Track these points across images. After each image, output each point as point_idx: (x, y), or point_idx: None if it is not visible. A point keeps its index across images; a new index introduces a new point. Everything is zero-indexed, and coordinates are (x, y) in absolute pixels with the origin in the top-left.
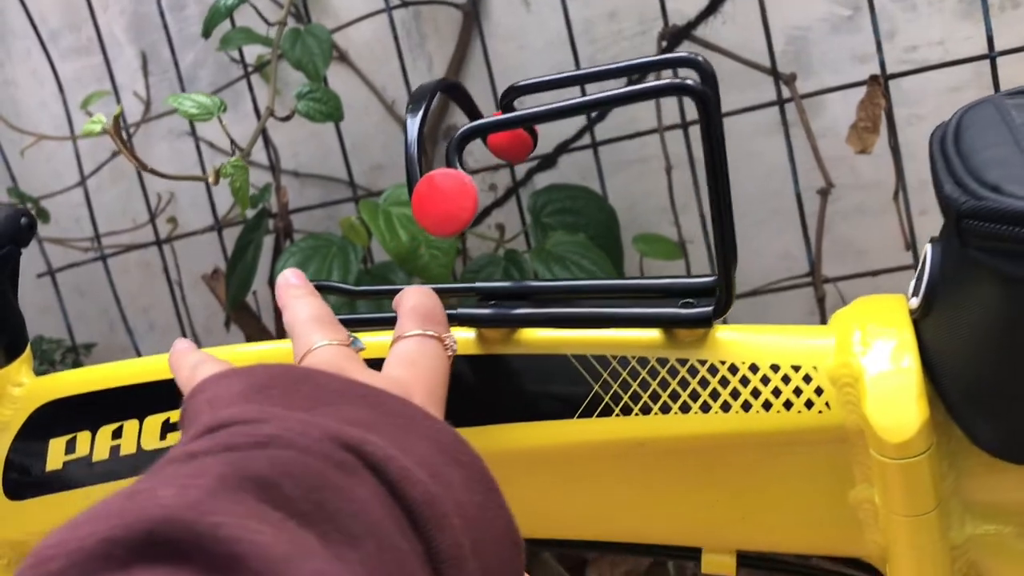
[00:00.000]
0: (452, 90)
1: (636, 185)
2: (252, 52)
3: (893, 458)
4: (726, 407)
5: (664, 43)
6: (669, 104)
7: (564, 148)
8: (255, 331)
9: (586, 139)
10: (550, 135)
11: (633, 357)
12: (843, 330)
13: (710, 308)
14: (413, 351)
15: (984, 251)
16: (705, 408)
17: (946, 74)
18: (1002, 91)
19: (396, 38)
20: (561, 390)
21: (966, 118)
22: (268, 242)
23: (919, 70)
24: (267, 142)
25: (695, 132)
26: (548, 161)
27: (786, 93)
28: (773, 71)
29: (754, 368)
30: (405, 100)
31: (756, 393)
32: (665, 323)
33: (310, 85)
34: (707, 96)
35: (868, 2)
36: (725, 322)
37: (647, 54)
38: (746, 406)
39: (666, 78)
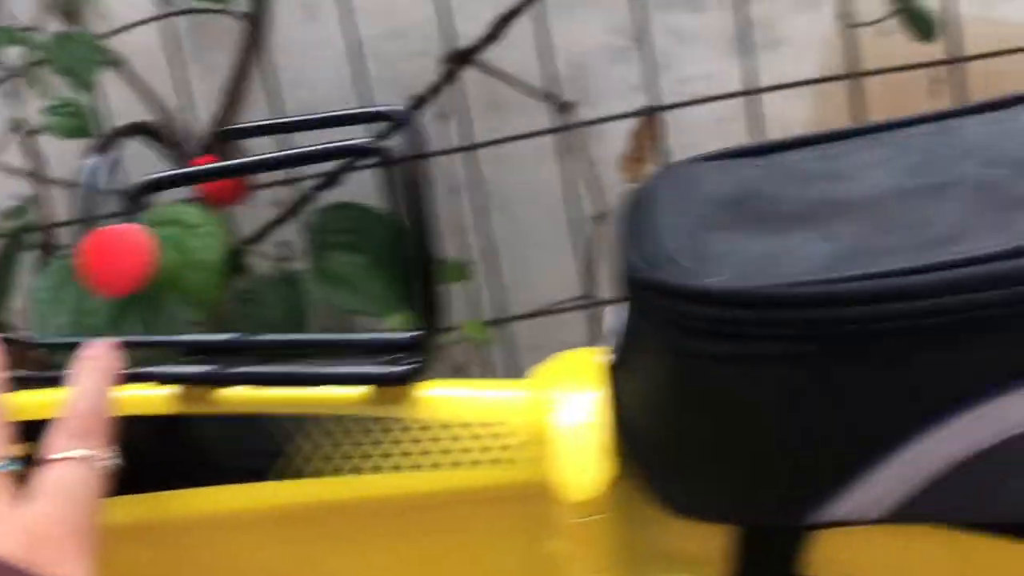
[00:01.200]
0: (145, 131)
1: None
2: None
3: (576, 516)
4: (417, 467)
5: (446, 66)
6: (447, 126)
7: (350, 166)
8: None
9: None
10: None
11: (330, 416)
12: (536, 385)
13: (406, 368)
14: (58, 482)
15: (656, 323)
16: (397, 468)
17: (716, 107)
18: (705, 153)
19: (179, 46)
20: (254, 450)
21: (660, 181)
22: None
23: (691, 102)
24: (30, 152)
25: (483, 154)
26: (331, 179)
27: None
28: (550, 98)
29: (446, 426)
30: (186, 111)
31: (446, 451)
32: (364, 381)
33: (64, 98)
34: (392, 157)
35: (643, 35)
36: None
37: (431, 73)
38: (435, 465)
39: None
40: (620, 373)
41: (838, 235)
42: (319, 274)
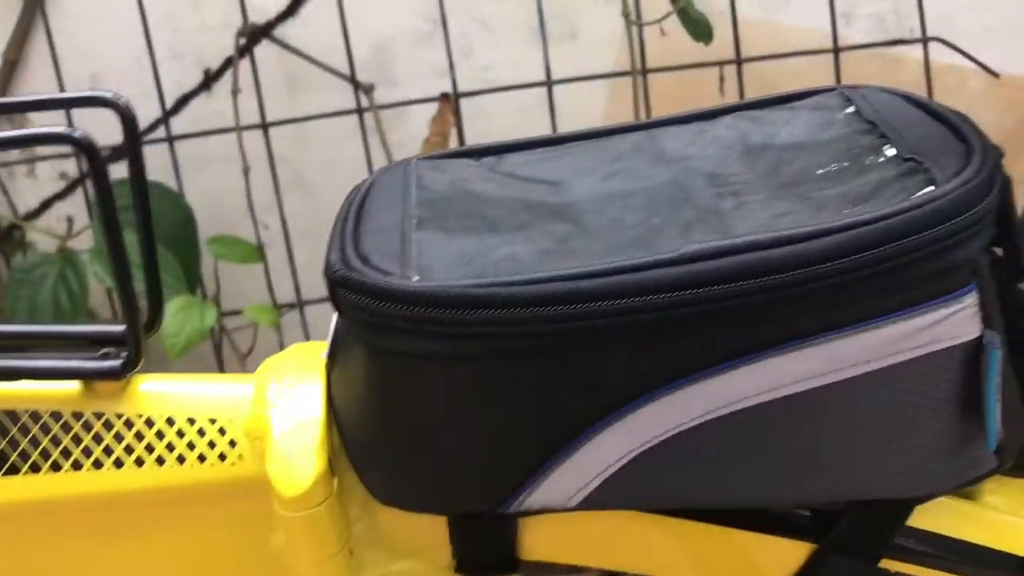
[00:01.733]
0: None
1: (217, 184)
2: None
3: (290, 510)
4: (140, 462)
5: (242, 40)
6: (248, 102)
7: (138, 140)
8: None
9: (161, 132)
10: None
11: (46, 411)
12: (262, 381)
13: (118, 362)
14: None
15: (353, 321)
16: (119, 464)
17: (515, 95)
18: (428, 153)
19: None
20: None
21: (379, 180)
22: None
23: (489, 90)
24: None
25: (276, 132)
26: (121, 152)
27: (365, 102)
28: (352, 80)
29: (170, 421)
30: None
31: (171, 447)
32: (74, 376)
33: None
34: (94, 149)
35: (444, 20)
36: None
37: (229, 47)
38: (160, 460)
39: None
40: (333, 368)
41: (535, 238)
42: (99, 254)
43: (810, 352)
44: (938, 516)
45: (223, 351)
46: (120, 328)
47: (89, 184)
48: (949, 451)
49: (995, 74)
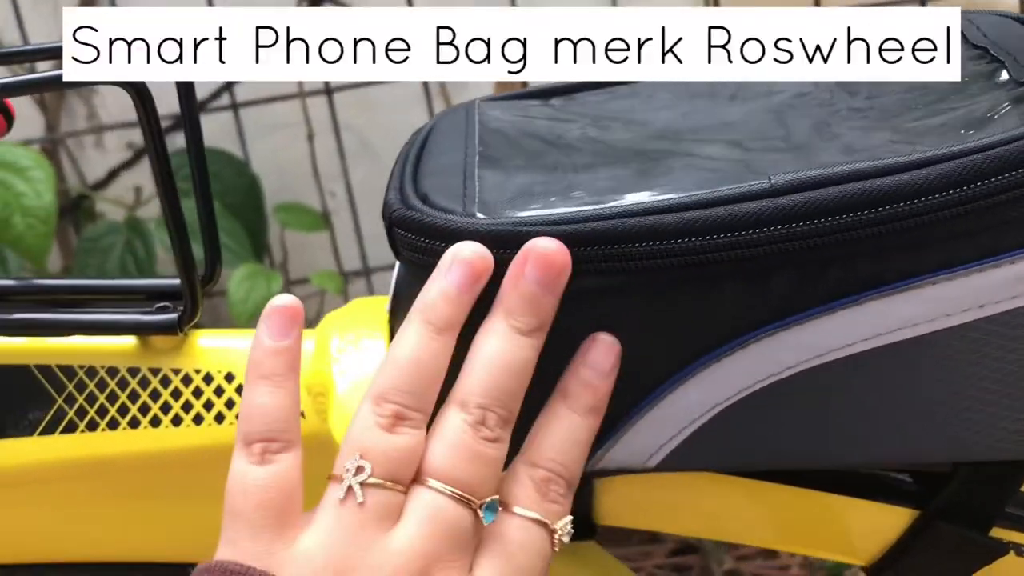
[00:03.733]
0: None
1: (283, 151)
2: None
3: None
4: (199, 420)
5: (304, 3)
6: None
7: (201, 108)
8: None
9: (225, 99)
10: None
11: (101, 367)
12: (323, 336)
13: (175, 315)
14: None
15: (414, 264)
16: (177, 421)
17: None
18: (486, 96)
19: None
20: (21, 404)
21: (440, 121)
22: None
23: None
24: None
25: (340, 98)
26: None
27: None
28: None
29: (229, 377)
30: None
31: (231, 403)
32: (128, 330)
33: None
34: (146, 90)
35: None
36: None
37: None
38: (219, 418)
39: None
40: (395, 320)
41: (607, 173)
42: (165, 223)
43: (918, 295)
44: None
45: None
46: (178, 281)
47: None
48: None
49: None
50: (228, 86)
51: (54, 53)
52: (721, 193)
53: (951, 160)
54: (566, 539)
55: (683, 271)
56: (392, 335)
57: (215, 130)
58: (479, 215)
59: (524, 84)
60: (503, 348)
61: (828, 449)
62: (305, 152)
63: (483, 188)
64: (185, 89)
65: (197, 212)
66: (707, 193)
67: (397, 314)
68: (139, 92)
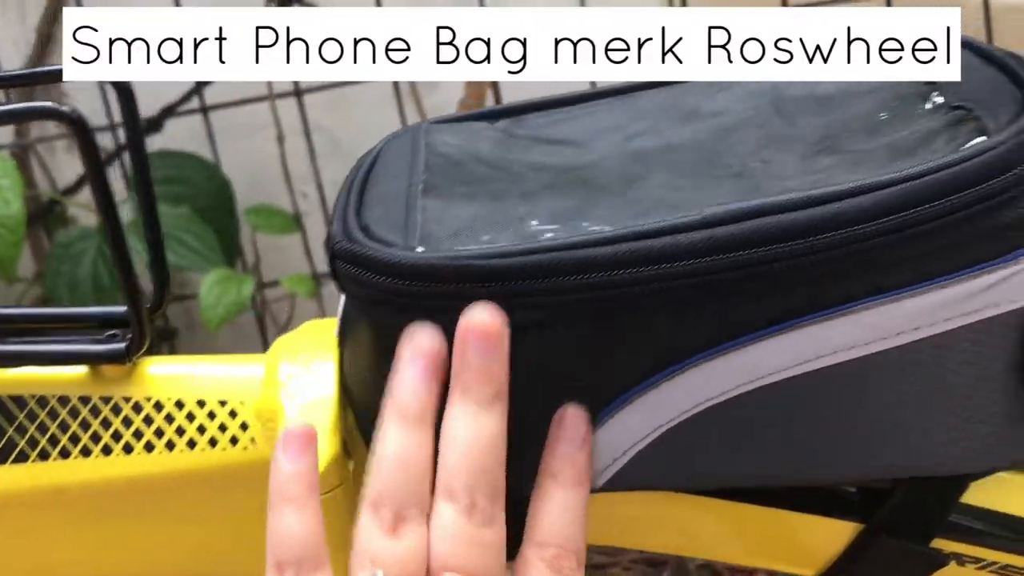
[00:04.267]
0: None
1: (253, 154)
2: None
3: None
4: (150, 447)
5: (272, 5)
6: None
7: (171, 111)
8: None
9: (195, 103)
10: (155, 97)
11: (52, 396)
12: (273, 361)
13: (124, 344)
14: None
15: (356, 296)
16: (128, 449)
17: None
18: (434, 118)
19: None
20: None
21: (387, 147)
22: None
23: None
24: None
25: (310, 99)
26: (153, 125)
27: None
28: None
29: (180, 404)
30: None
31: (181, 431)
32: (77, 359)
33: None
34: (82, 121)
35: None
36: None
37: None
38: (170, 445)
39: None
40: (344, 346)
41: (549, 203)
42: (137, 228)
43: (851, 320)
44: (996, 492)
45: (266, 323)
46: (117, 309)
47: (126, 157)
48: (1008, 424)
49: None
50: (198, 88)
51: (55, 76)
52: (653, 226)
53: (880, 190)
54: None
55: (617, 303)
56: (342, 361)
57: (185, 133)
58: (419, 248)
59: (494, 85)
60: (471, 428)
61: (769, 469)
62: (276, 154)
63: (425, 220)
64: (126, 99)
65: (144, 236)
66: (639, 226)
67: (345, 341)
68: (123, 91)
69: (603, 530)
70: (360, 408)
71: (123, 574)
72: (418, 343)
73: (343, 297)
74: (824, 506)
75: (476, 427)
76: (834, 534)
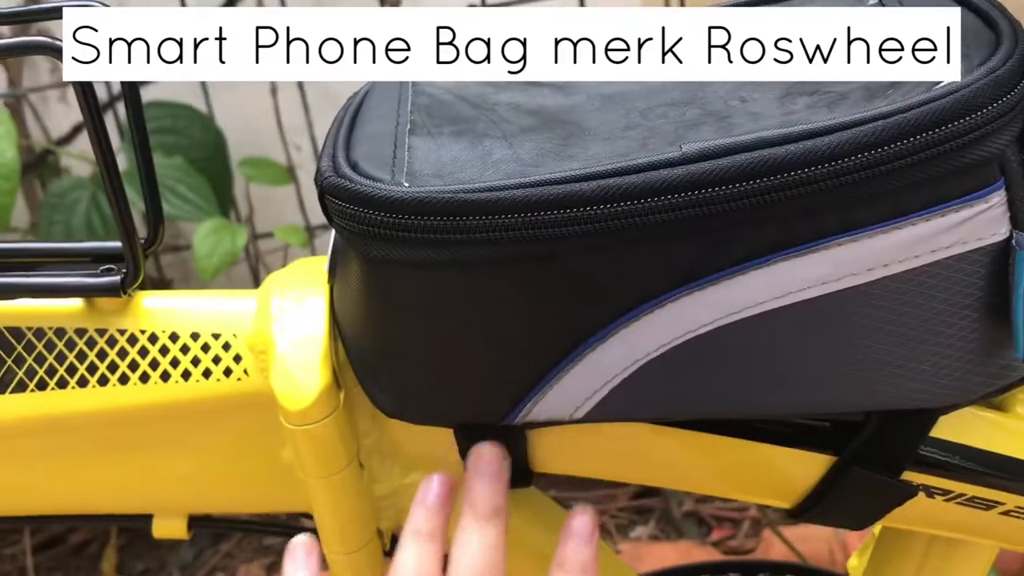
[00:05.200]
0: None
1: (247, 106)
2: None
3: (296, 424)
4: (145, 378)
5: None
6: None
7: None
8: None
9: None
10: None
11: (49, 328)
12: (265, 296)
13: (118, 278)
14: None
15: (344, 229)
16: (124, 380)
17: (547, 5)
18: None
19: None
20: None
21: (375, 87)
22: None
23: (519, 1)
24: None
25: None
26: None
27: None
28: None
29: (174, 337)
30: None
31: (175, 363)
32: (73, 292)
33: None
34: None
35: None
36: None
37: None
38: (165, 376)
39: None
40: (334, 280)
41: (533, 141)
42: (132, 177)
43: (824, 255)
44: (964, 427)
45: (260, 274)
46: (112, 244)
47: (120, 107)
48: (975, 359)
49: None
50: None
51: (55, 13)
52: (634, 162)
53: (852, 128)
54: None
55: (599, 237)
56: (332, 296)
57: (179, 85)
58: (405, 184)
59: None
60: (480, 542)
61: (745, 400)
62: (269, 106)
63: (412, 158)
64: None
65: (139, 176)
66: (621, 162)
67: (335, 275)
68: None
69: (585, 462)
70: (350, 340)
71: (120, 503)
72: (434, 490)
73: (333, 234)
74: (799, 439)
75: (484, 539)
76: (808, 466)
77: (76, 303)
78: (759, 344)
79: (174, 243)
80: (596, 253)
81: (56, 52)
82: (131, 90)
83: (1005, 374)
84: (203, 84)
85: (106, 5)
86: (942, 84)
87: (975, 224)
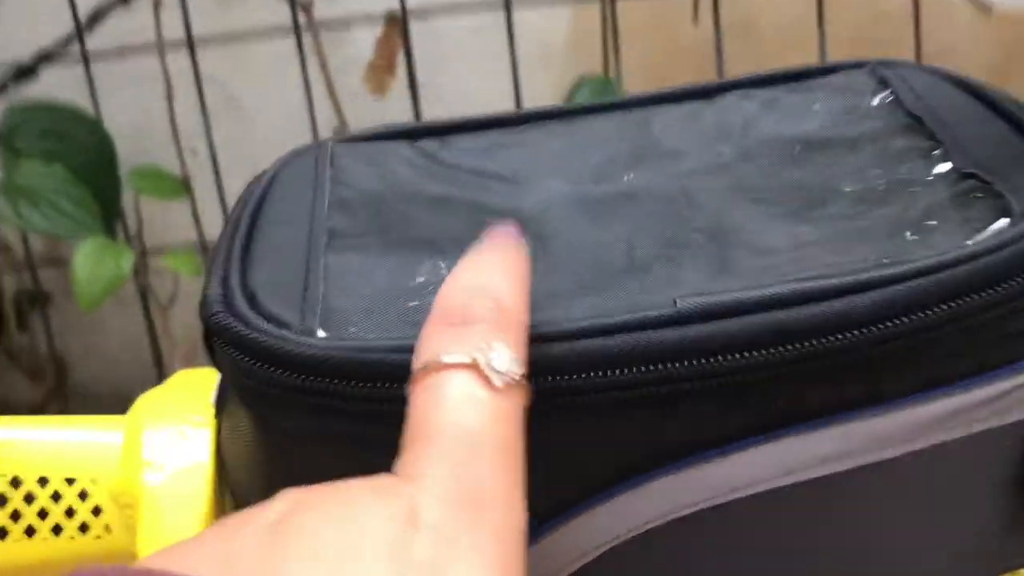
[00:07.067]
0: None
1: (140, 109)
2: None
3: None
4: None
5: None
6: (171, 17)
7: (46, 57)
8: None
9: (75, 50)
10: (30, 41)
11: None
12: (134, 427)
13: None
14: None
15: (238, 387)
16: None
17: (470, 17)
18: (340, 136)
19: None
20: None
21: (283, 172)
22: None
23: (441, 10)
24: None
25: (203, 51)
26: (26, 72)
27: (303, 19)
28: None
29: (16, 482)
30: None
31: (16, 515)
32: None
33: None
34: None
35: None
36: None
37: None
38: (2, 533)
39: None
40: (221, 417)
41: None
42: (6, 189)
43: (843, 431)
44: None
45: (148, 299)
46: None
47: None
48: (997, 536)
49: (988, 7)
50: (79, 33)
51: None
52: (612, 321)
53: (885, 286)
54: None
55: (572, 412)
56: (218, 436)
57: (63, 84)
58: (320, 332)
59: (406, 45)
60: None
61: None
62: (164, 109)
63: (329, 288)
64: None
65: None
66: (601, 320)
67: (223, 411)
68: None
69: None
70: (242, 491)
71: None
72: None
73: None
74: None
75: None
76: None
77: None
78: (749, 527)
79: (54, 254)
80: (559, 428)
81: None
82: None
83: None
84: (90, 85)
85: None
86: (991, 230)
87: (1015, 396)
